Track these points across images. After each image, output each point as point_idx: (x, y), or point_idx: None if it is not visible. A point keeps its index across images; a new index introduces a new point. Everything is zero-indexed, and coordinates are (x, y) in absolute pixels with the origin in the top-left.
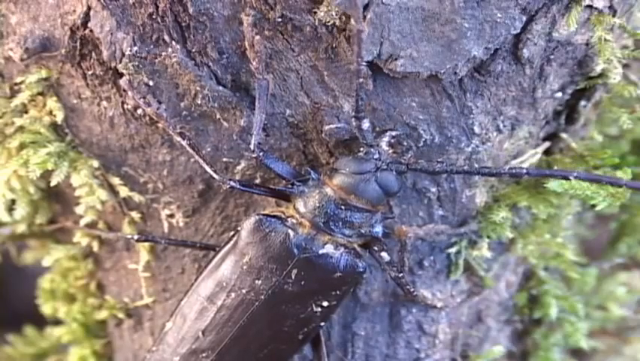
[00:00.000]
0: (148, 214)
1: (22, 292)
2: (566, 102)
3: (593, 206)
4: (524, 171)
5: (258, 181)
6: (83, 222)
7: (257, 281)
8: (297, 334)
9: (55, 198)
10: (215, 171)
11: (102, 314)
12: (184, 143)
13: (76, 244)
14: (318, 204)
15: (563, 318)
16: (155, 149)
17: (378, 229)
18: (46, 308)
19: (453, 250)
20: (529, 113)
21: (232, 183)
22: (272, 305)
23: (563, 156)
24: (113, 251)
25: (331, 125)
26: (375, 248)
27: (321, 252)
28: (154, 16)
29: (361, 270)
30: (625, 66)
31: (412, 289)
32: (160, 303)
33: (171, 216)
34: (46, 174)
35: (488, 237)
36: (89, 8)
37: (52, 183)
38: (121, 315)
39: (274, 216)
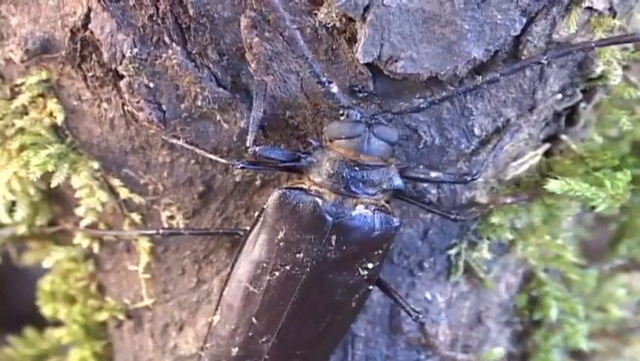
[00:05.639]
0: (148, 216)
1: (22, 293)
2: None
3: (593, 208)
4: (497, 75)
5: (258, 183)
6: (83, 223)
7: (298, 255)
8: (349, 302)
9: (56, 200)
10: (221, 157)
11: (102, 316)
12: (181, 143)
13: (77, 245)
14: (332, 171)
15: (563, 319)
16: (156, 150)
17: (399, 182)
18: (46, 310)
19: (453, 251)
20: (530, 114)
21: (241, 165)
22: (319, 276)
23: (563, 158)
24: (113, 253)
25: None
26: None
27: (354, 214)
28: (154, 18)
29: (397, 224)
30: (625, 68)
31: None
32: (160, 304)
33: (171, 217)
34: (47, 176)
35: (488, 238)
36: (90, 10)
37: (53, 185)
38: (121, 316)
39: (296, 188)
